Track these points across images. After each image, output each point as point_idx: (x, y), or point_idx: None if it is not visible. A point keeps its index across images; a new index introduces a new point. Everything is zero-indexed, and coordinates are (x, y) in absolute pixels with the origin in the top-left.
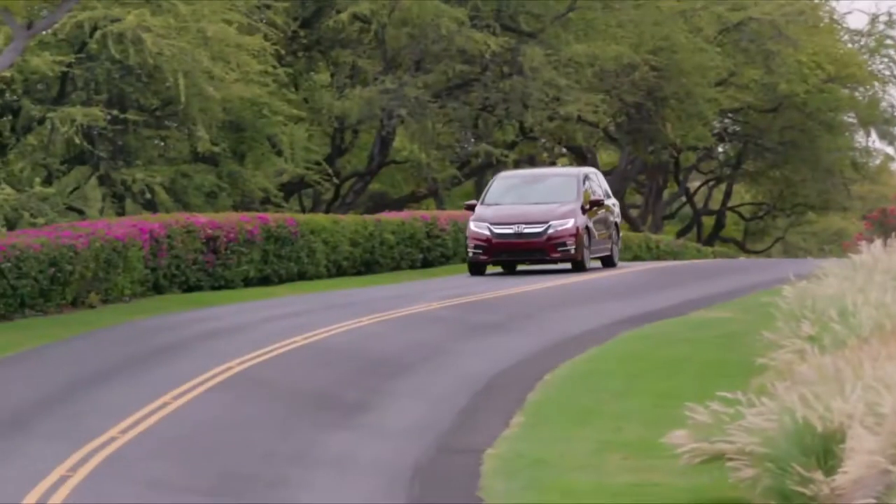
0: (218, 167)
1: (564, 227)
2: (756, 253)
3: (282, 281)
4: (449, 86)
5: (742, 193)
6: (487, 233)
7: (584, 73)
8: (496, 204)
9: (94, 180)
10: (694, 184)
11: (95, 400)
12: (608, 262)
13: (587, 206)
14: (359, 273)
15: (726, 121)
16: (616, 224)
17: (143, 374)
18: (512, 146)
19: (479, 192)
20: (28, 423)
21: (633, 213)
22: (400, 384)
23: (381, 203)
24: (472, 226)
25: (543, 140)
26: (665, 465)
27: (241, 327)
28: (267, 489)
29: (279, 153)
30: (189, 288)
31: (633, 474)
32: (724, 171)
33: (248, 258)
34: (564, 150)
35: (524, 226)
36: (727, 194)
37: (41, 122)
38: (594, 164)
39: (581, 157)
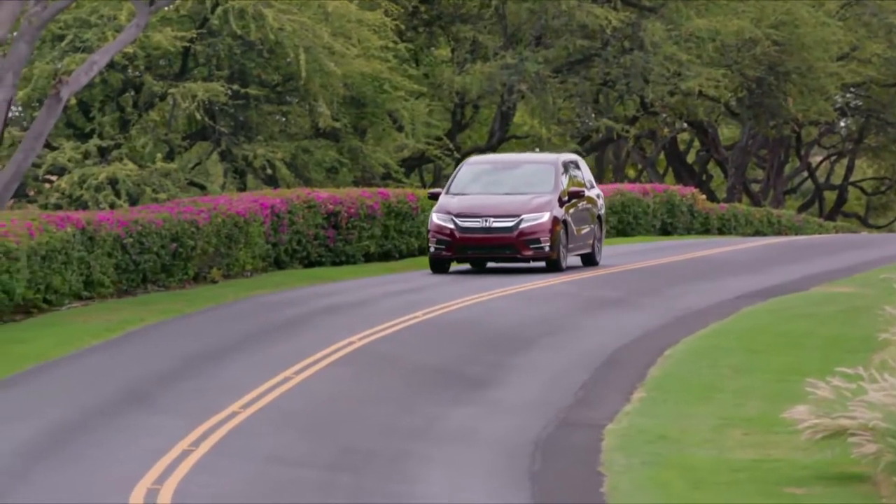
0: (339, 142)
1: (538, 221)
2: (878, 228)
3: (402, 256)
4: (569, 61)
5: (864, 168)
6: (451, 226)
7: (706, 47)
8: (462, 194)
9: (215, 156)
10: (816, 158)
11: (217, 375)
12: (589, 261)
13: (566, 198)
14: None
15: (848, 95)
16: (600, 218)
17: (264, 348)
18: (633, 121)
19: (600, 168)
20: (151, 398)
21: (755, 187)
22: (521, 359)
23: None
24: (435, 217)
25: (664, 115)
26: (786, 441)
27: (363, 302)
28: (388, 464)
29: (400, 128)
30: (310, 263)
31: (754, 450)
32: (846, 145)
33: (369, 233)
34: (685, 125)
35: (493, 219)
36: (849, 169)
37: (163, 97)
38: (715, 140)
39: (702, 131)
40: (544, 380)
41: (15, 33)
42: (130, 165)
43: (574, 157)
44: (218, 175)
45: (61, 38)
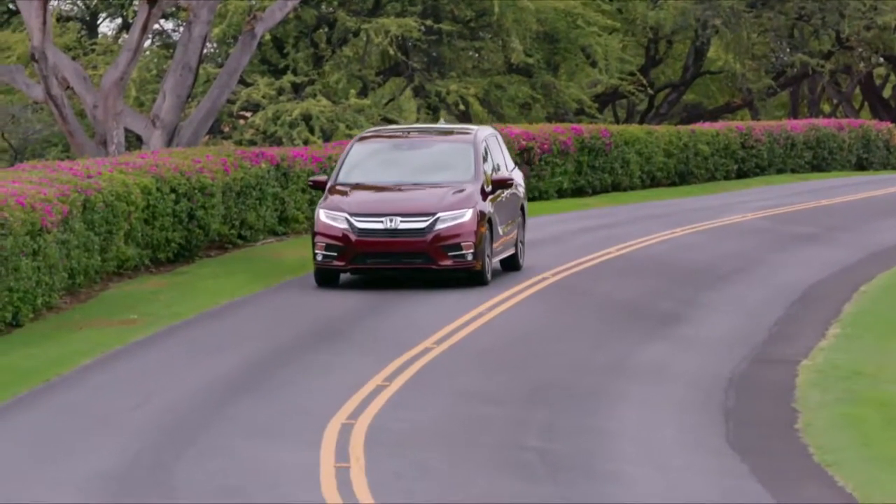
0: (532, 78)
1: (459, 221)
2: None
3: (595, 192)
4: None
5: None
6: (345, 227)
7: None
8: (357, 184)
9: (408, 92)
10: None
11: (409, 312)
12: (511, 264)
13: (489, 188)
14: (673, 184)
15: None
16: (523, 208)
17: (456, 285)
18: (828, 56)
19: (794, 103)
20: (344, 334)
21: None
22: (714, 295)
23: (694, 114)
24: (323, 215)
25: (860, 50)
26: None
27: (555, 238)
28: (581, 400)
29: (593, 64)
30: None
31: None
32: None
33: (562, 169)
34: (882, 59)
35: (400, 219)
36: None
37: (356, 34)
38: None
39: None
40: (738, 315)
41: None
42: (324, 101)
43: (490, 129)
44: (411, 111)
45: None
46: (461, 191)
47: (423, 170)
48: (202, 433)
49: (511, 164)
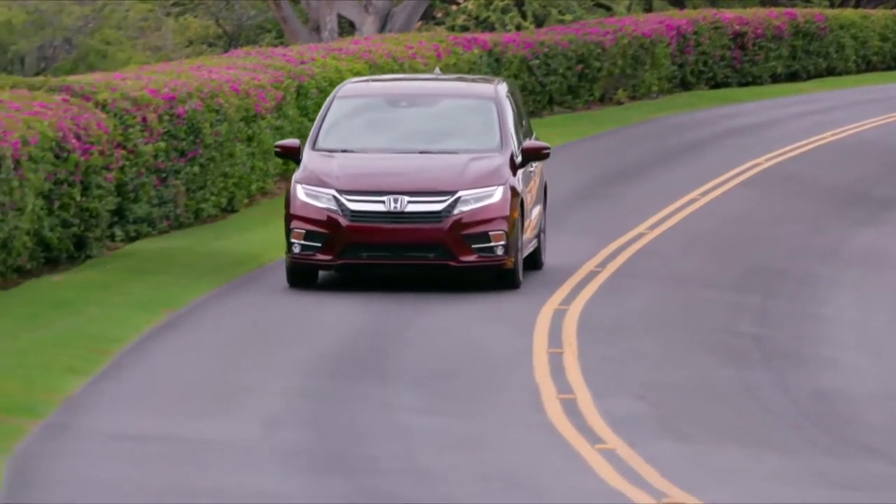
0: None
1: (487, 202)
2: None
3: (809, 77)
4: None
5: None
6: (332, 208)
7: None
8: (344, 150)
9: None
10: None
11: (624, 196)
12: (533, 262)
13: (519, 159)
14: (889, 68)
15: None
16: (545, 188)
17: (670, 170)
18: None
19: None
20: (559, 218)
21: None
22: None
23: None
24: (301, 193)
25: None
26: None
27: (769, 123)
28: (795, 286)
29: None
30: (716, 84)
31: None
32: None
33: (776, 54)
34: None
35: (408, 198)
36: None
37: None
38: None
39: None
40: None
41: None
42: None
43: (509, 82)
44: None
45: None
46: (488, 161)
47: (431, 134)
48: (419, 316)
49: (528, 124)
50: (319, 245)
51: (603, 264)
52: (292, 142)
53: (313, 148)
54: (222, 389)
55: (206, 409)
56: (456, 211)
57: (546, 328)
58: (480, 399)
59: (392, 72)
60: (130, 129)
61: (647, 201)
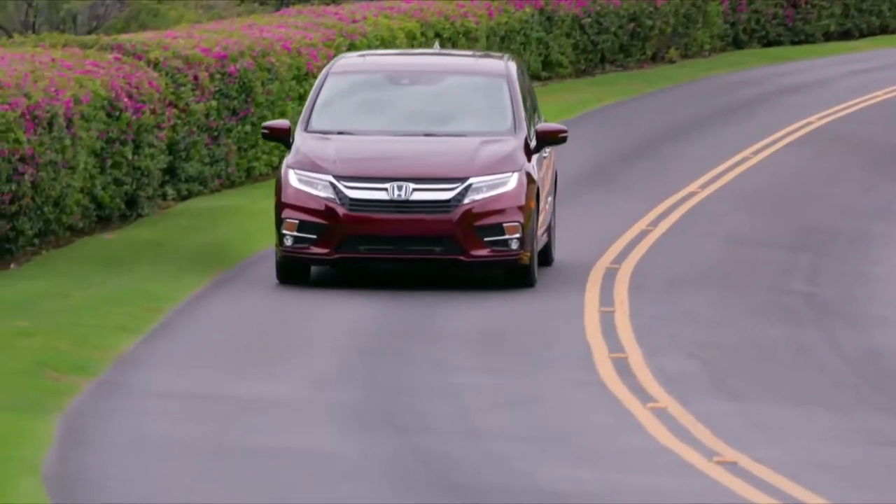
0: None
1: (501, 190)
2: None
3: (862, 35)
4: None
5: None
6: (329, 196)
7: None
8: (341, 132)
9: None
10: None
11: (675, 155)
12: (543, 258)
13: (534, 143)
14: None
15: None
16: (555, 176)
17: (722, 128)
18: None
19: None
20: (609, 177)
21: None
22: None
23: None
24: (293, 179)
25: None
26: None
27: (821, 82)
28: (848, 244)
29: None
30: (768, 42)
31: None
32: None
33: (829, 12)
34: None
35: (413, 185)
36: None
37: None
38: None
39: None
40: None
41: None
42: None
43: (517, 59)
44: None
45: None
46: (499, 146)
47: (436, 115)
48: (468, 276)
49: (536, 106)
50: (314, 237)
51: (655, 223)
52: (282, 122)
53: (306, 129)
54: (273, 349)
55: (256, 367)
56: (467, 200)
57: (597, 287)
58: (531, 358)
59: (442, 31)
60: (182, 88)
61: (699, 160)
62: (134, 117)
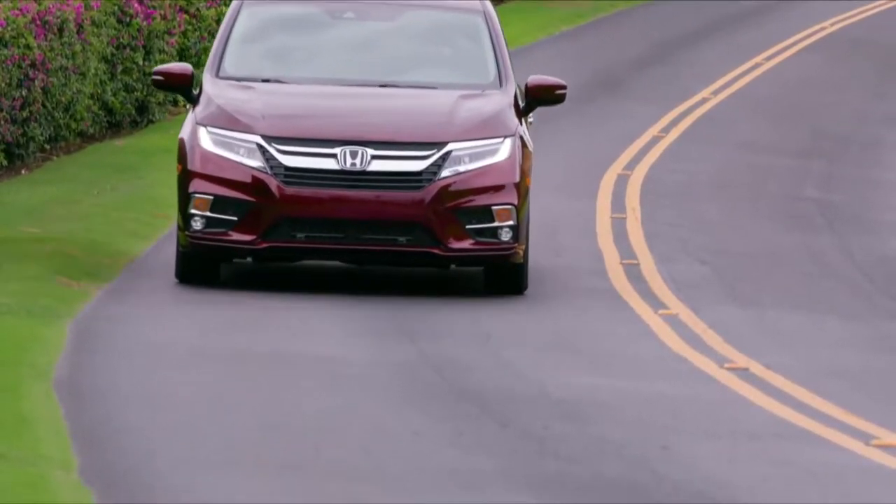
0: None
1: (490, 161)
2: None
3: None
4: None
5: None
6: (258, 164)
7: None
8: (266, 81)
9: None
10: None
11: (687, 61)
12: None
13: (523, 102)
14: None
15: None
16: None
17: (734, 35)
18: None
19: None
20: (622, 84)
21: None
22: None
23: None
24: (206, 140)
25: None
26: None
27: None
28: (860, 151)
29: None
30: None
31: None
32: None
33: None
34: None
35: (372, 150)
36: None
37: None
38: None
39: None
40: None
41: None
42: None
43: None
44: None
45: None
46: (483, 101)
47: (395, 60)
48: None
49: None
50: (235, 219)
51: (666, 129)
52: (181, 66)
53: (217, 75)
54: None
55: (266, 274)
56: (444, 173)
57: (609, 193)
58: (542, 264)
59: None
60: None
61: (711, 66)
62: (144, 23)
